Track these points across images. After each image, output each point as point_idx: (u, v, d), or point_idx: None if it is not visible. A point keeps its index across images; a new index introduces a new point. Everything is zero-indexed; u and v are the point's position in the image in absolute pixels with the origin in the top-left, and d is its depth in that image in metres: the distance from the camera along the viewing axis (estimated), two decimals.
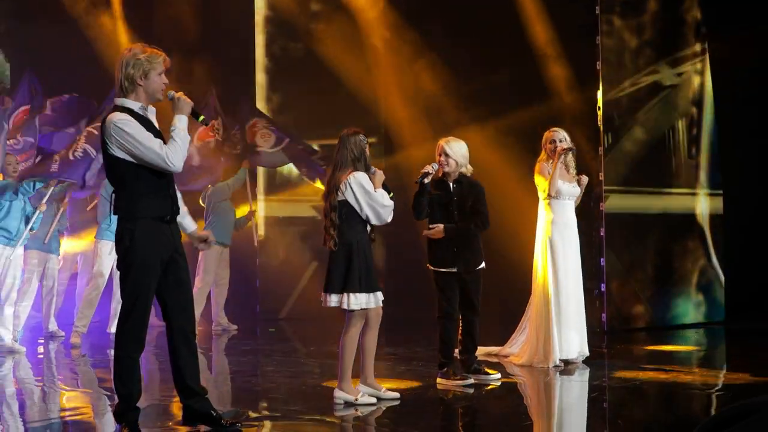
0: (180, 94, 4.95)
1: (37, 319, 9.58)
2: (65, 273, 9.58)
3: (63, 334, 9.03)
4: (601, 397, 6.21)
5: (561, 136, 7.10)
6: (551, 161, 7.10)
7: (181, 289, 4.98)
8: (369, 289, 5.69)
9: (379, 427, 5.43)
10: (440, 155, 6.55)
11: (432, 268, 6.58)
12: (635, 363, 7.26)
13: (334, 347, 5.94)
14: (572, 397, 6.44)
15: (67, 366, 7.79)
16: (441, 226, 6.47)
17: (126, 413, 4.86)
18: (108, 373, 7.35)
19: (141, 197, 4.79)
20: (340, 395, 5.75)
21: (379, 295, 5.75)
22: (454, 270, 6.51)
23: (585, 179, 7.23)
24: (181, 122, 4.87)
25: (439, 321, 6.53)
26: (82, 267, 9.65)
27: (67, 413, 5.90)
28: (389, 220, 5.81)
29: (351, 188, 5.68)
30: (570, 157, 7.14)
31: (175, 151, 4.78)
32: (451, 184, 6.57)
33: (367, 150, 5.82)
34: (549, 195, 7.09)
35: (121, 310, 4.89)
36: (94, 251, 8.91)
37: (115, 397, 4.89)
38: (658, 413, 5.82)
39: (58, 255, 9.06)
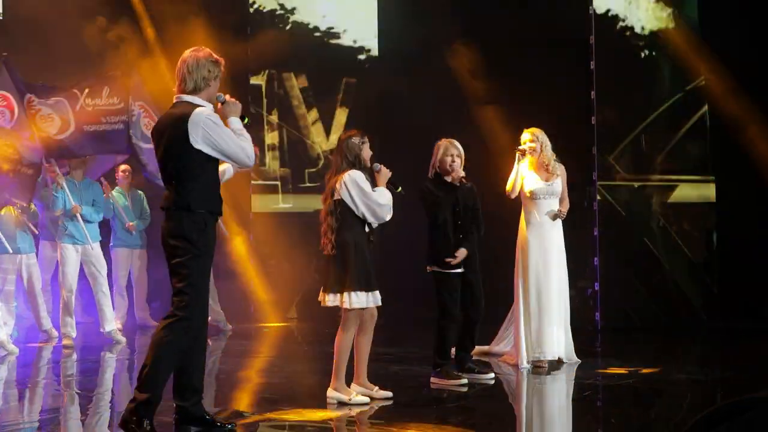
0: (230, 97, 5.04)
1: (32, 320, 9.49)
2: (47, 274, 9.43)
3: (56, 335, 8.96)
4: (594, 396, 6.21)
5: (529, 137, 7.11)
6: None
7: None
8: (368, 288, 5.68)
9: (371, 427, 5.42)
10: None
11: (437, 269, 6.55)
12: (628, 362, 7.25)
13: (329, 347, 5.92)
14: (565, 396, 6.43)
15: (58, 367, 7.73)
16: (463, 251, 6.47)
17: (150, 406, 4.77)
18: (95, 375, 7.33)
19: (207, 189, 4.91)
20: (333, 395, 5.73)
21: (377, 294, 5.72)
22: (461, 271, 6.51)
23: (561, 168, 7.13)
24: (238, 123, 5.01)
25: (440, 322, 6.51)
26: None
27: (53, 414, 5.87)
28: (388, 218, 5.78)
29: (346, 187, 5.66)
30: (544, 154, 7.08)
31: (251, 147, 4.96)
32: (456, 185, 6.59)
33: (365, 150, 5.79)
34: (509, 195, 7.08)
35: (181, 299, 4.86)
36: (59, 256, 8.74)
37: (135, 392, 4.79)
38: (650, 412, 5.82)
39: (33, 252, 8.81)
